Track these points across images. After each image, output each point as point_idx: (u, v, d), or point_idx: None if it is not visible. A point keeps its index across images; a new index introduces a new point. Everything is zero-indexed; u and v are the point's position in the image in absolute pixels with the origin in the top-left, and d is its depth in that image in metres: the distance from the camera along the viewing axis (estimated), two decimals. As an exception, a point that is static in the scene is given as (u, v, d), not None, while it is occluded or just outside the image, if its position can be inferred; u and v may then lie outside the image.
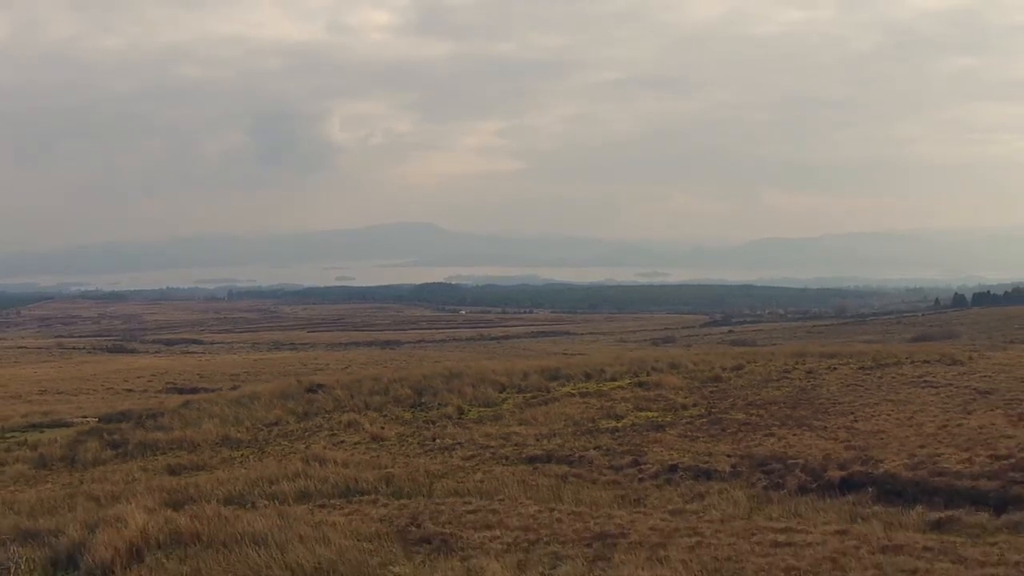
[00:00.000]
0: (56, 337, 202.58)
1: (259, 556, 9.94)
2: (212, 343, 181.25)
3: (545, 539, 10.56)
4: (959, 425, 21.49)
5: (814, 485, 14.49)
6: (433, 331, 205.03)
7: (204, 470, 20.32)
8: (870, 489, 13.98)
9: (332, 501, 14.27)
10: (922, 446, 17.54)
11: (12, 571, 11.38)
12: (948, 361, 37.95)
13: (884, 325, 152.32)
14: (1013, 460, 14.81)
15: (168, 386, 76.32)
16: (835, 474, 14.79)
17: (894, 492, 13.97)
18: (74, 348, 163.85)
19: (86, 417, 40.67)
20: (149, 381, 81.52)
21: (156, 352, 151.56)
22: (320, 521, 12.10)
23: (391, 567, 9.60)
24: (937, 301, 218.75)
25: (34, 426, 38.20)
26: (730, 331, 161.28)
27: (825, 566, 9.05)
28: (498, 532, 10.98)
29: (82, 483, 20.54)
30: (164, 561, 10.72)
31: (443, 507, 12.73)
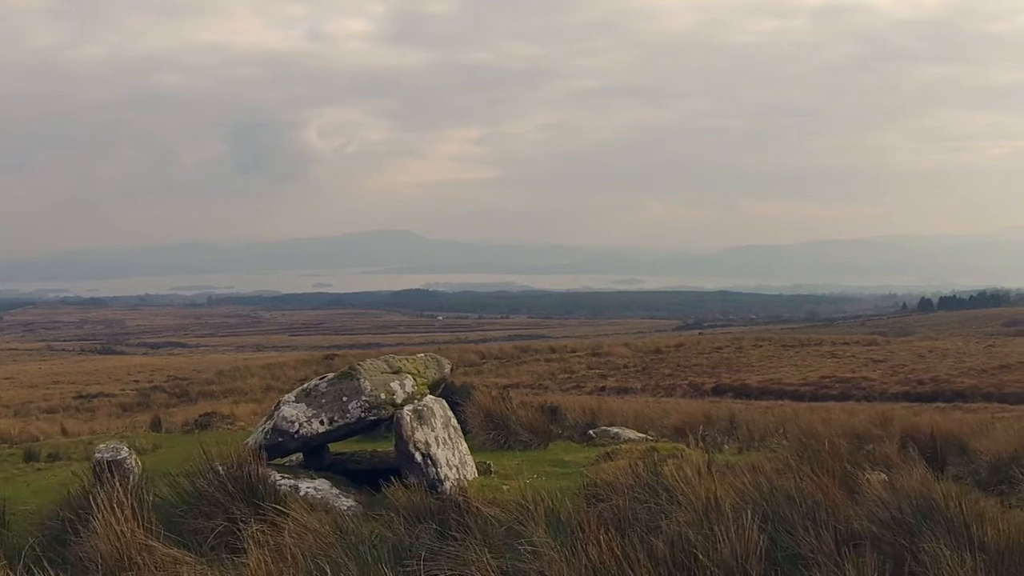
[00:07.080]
0: (42, 341, 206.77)
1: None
2: (197, 346, 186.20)
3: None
4: (838, 376, 28.38)
5: (694, 392, 21.52)
6: (412, 335, 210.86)
7: (262, 404, 27.00)
8: (730, 393, 20.99)
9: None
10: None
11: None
12: (865, 343, 44.57)
13: (848, 327, 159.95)
14: (832, 377, 21.87)
15: (170, 378, 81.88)
16: (708, 386, 21.86)
17: (745, 395, 20.99)
18: (64, 350, 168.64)
19: (124, 390, 46.93)
20: (151, 375, 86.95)
21: (144, 353, 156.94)
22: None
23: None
24: (904, 305, 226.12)
25: (81, 396, 43.80)
26: (700, 333, 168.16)
27: (675, 406, 15.94)
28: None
29: (168, 416, 27.05)
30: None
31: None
